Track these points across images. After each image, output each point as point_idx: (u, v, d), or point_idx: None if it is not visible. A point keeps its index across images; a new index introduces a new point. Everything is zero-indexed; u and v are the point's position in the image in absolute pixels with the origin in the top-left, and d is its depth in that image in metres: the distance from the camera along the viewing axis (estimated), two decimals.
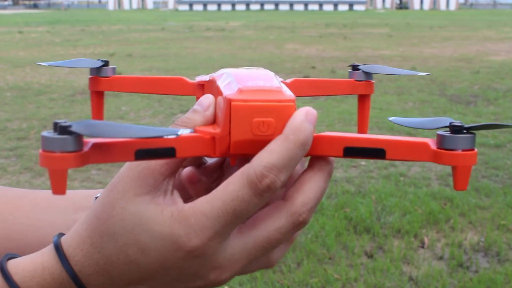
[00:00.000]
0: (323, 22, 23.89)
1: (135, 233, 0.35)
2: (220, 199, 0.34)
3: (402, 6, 54.75)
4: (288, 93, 0.39)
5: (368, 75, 0.53)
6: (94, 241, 0.36)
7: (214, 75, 0.46)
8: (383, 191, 3.39)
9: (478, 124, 0.35)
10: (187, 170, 0.42)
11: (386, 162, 3.98)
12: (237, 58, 10.12)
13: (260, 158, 0.34)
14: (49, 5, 66.42)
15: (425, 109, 5.78)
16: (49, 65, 0.51)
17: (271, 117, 0.36)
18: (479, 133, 4.72)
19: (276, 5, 48.08)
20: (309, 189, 0.37)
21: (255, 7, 47.78)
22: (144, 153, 0.37)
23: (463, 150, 0.35)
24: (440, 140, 0.35)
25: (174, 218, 0.34)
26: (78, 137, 0.34)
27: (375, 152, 0.37)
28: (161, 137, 0.36)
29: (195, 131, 0.38)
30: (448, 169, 3.85)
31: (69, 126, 0.33)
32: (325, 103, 6.02)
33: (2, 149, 4.36)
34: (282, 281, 2.43)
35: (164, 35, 16.23)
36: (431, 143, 0.36)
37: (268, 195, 0.34)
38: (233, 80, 0.40)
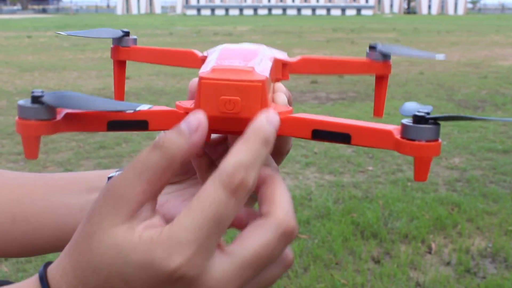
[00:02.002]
0: (331, 27, 23.90)
1: (117, 265, 0.34)
2: (199, 209, 0.33)
3: (410, 10, 54.70)
4: (261, 74, 0.39)
5: (386, 55, 0.52)
6: (77, 274, 0.35)
7: (210, 50, 0.48)
8: (390, 196, 3.38)
9: (442, 115, 0.33)
10: None
11: (394, 167, 3.97)
12: None
13: (227, 161, 0.34)
14: (57, 10, 66.82)
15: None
16: (68, 34, 0.53)
17: (237, 96, 0.38)
18: (487, 139, 4.70)
19: (284, 9, 48.14)
20: (282, 199, 0.37)
21: (262, 11, 47.85)
22: (116, 124, 0.38)
23: (426, 141, 0.34)
24: (403, 130, 0.35)
25: (154, 242, 0.33)
26: (50, 107, 0.36)
27: (341, 137, 0.38)
28: (122, 111, 0.38)
29: (176, 106, 0.39)
30: (455, 174, 3.84)
31: (42, 96, 0.36)
32: (332, 108, 6.02)
33: (11, 153, 4.38)
34: (288, 286, 2.43)
35: (172, 39, 16.29)
36: (396, 131, 0.35)
37: (243, 194, 0.34)
38: (215, 58, 0.42)
